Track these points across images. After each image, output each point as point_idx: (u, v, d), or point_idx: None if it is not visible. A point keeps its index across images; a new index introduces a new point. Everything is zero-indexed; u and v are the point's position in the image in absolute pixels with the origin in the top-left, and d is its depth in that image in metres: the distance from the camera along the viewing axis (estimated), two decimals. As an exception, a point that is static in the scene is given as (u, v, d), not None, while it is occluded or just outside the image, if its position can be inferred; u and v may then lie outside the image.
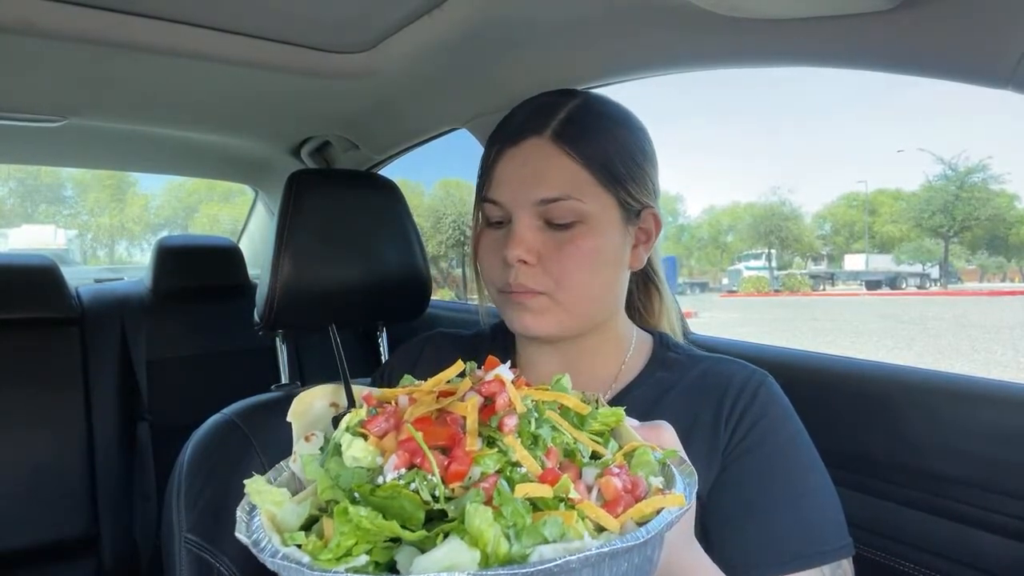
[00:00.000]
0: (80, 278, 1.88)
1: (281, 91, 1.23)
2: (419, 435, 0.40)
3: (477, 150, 1.38)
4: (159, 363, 1.62)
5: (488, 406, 0.43)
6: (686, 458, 0.48)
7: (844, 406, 0.99)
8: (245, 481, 0.40)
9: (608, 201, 0.76)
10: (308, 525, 0.39)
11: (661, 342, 0.87)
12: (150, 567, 1.53)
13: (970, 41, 0.64)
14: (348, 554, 0.35)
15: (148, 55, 1.01)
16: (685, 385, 0.79)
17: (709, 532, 0.71)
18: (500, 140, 0.80)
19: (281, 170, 1.70)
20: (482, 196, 0.81)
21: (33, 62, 1.05)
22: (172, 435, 1.02)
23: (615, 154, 0.77)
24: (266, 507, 0.40)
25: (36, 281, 1.51)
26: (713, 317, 16.55)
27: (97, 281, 1.90)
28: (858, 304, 22.07)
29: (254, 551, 0.37)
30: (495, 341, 0.92)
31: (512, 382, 0.45)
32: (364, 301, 1.11)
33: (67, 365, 1.50)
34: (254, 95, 1.27)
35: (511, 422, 0.42)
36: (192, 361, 1.72)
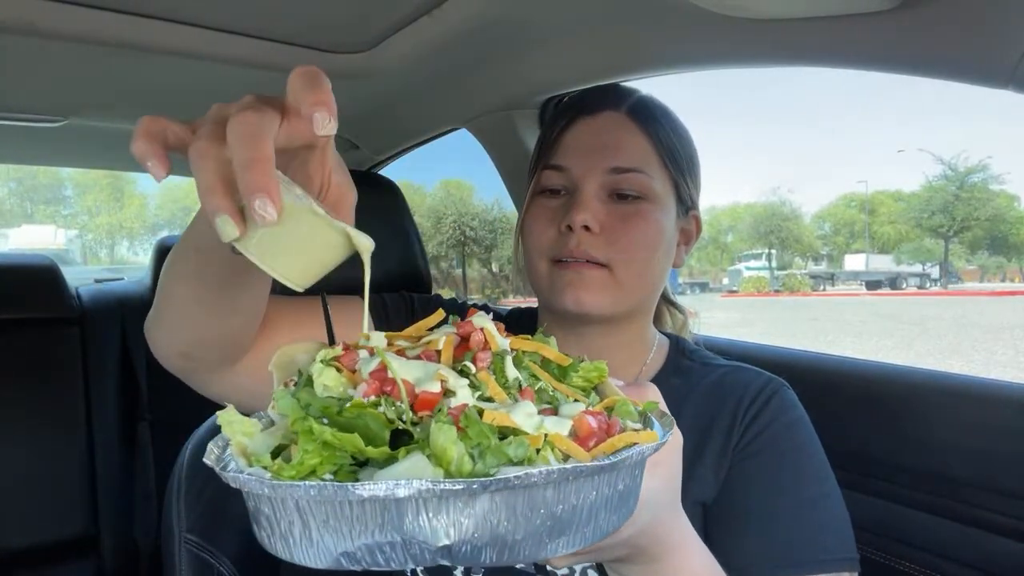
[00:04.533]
0: (80, 278, 1.88)
1: (281, 91, 1.23)
2: (390, 359, 0.39)
3: (477, 150, 1.38)
4: (159, 363, 1.61)
5: (464, 344, 0.44)
6: (667, 411, 0.48)
7: (846, 406, 0.99)
8: (218, 412, 0.40)
9: (669, 186, 0.79)
10: (277, 455, 0.39)
11: (677, 347, 0.86)
12: (150, 567, 1.52)
13: (970, 41, 0.64)
14: (312, 473, 0.34)
15: (148, 55, 1.01)
16: (700, 392, 0.78)
17: (712, 533, 0.71)
18: (572, 111, 0.81)
19: (281, 170, 1.70)
20: (544, 163, 0.80)
21: (33, 62, 1.05)
22: (172, 435, 1.01)
23: (678, 144, 0.80)
24: (237, 437, 0.39)
25: (36, 281, 1.51)
26: (713, 317, 16.55)
27: (97, 281, 1.89)
28: (858, 304, 22.08)
29: (219, 472, 0.36)
30: (521, 327, 0.91)
31: None
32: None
33: (67, 365, 1.50)
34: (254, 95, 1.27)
35: (485, 357, 0.42)
36: (192, 361, 1.71)
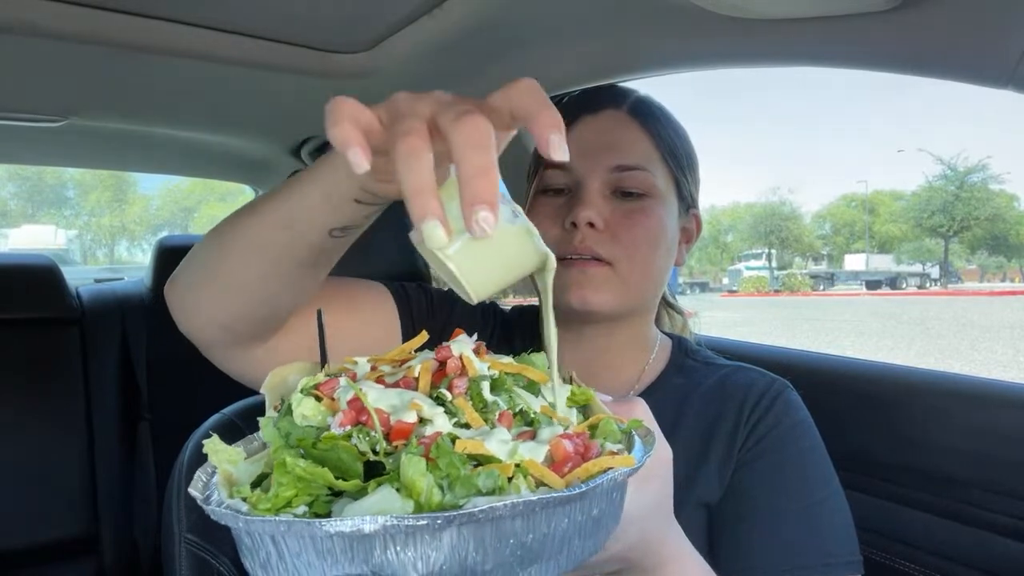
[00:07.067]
0: (80, 278, 1.88)
1: (281, 91, 1.23)
2: (364, 391, 0.40)
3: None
4: (159, 363, 1.62)
5: (442, 369, 0.44)
6: (653, 429, 0.48)
7: (845, 406, 0.99)
8: (204, 441, 0.41)
9: (671, 184, 0.80)
10: (259, 483, 0.40)
11: (680, 347, 0.86)
12: (150, 567, 1.53)
13: (970, 41, 0.65)
14: (288, 505, 0.35)
15: (148, 55, 1.01)
16: (703, 392, 0.78)
17: (717, 535, 0.71)
18: (574, 110, 0.81)
19: (281, 170, 1.70)
20: (546, 162, 0.79)
21: (33, 62, 1.05)
22: (172, 435, 1.01)
23: (678, 142, 0.81)
24: (222, 465, 0.40)
25: (36, 281, 1.51)
26: (714, 317, 16.54)
27: (97, 281, 1.89)
28: (858, 304, 22.07)
29: (201, 503, 0.37)
30: (524, 326, 0.90)
31: (474, 351, 0.46)
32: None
33: (67, 365, 1.50)
34: (254, 95, 1.27)
35: (461, 384, 0.42)
36: (192, 361, 1.71)
